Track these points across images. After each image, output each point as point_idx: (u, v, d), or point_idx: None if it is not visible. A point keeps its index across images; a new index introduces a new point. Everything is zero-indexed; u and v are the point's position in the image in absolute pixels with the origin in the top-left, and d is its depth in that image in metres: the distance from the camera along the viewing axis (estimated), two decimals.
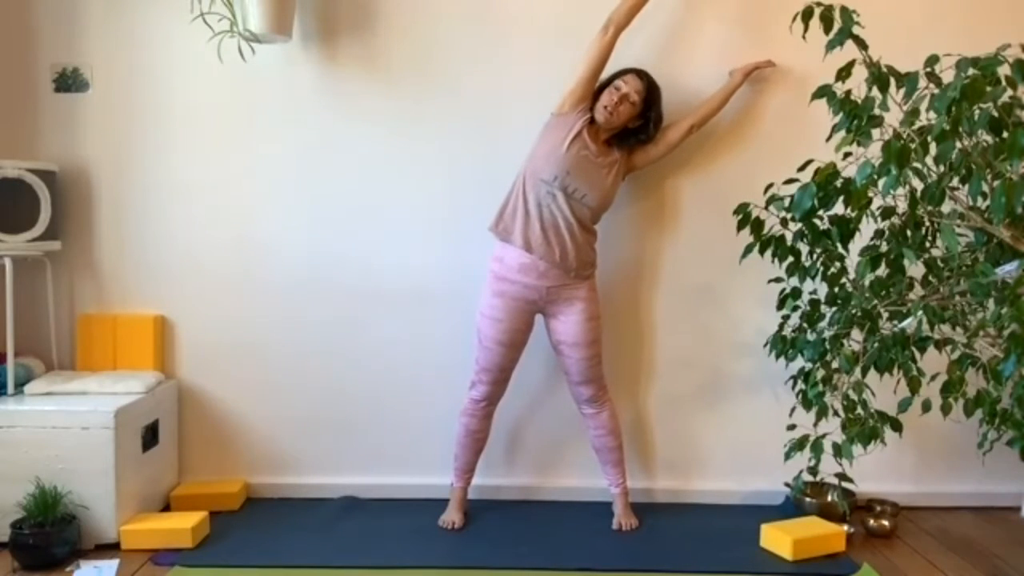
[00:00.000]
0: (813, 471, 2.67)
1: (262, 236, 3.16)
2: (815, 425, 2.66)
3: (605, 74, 2.85)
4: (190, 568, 2.59)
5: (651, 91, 2.83)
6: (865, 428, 2.54)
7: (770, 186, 2.66)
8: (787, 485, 2.93)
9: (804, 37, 2.41)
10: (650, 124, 2.86)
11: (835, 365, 2.62)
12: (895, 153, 2.15)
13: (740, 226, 2.71)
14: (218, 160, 3.14)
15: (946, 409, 2.42)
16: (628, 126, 2.85)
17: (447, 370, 3.14)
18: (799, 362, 2.81)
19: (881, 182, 2.22)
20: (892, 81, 2.32)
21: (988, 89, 2.10)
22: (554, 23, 3.05)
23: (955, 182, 2.34)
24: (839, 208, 2.52)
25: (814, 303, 2.79)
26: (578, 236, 2.80)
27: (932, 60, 2.27)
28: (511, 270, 2.82)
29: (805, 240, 2.68)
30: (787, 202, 2.54)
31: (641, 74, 2.83)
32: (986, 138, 2.24)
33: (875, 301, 2.53)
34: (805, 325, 2.80)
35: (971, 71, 2.11)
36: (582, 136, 2.79)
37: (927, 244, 2.60)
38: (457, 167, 3.11)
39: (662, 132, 2.91)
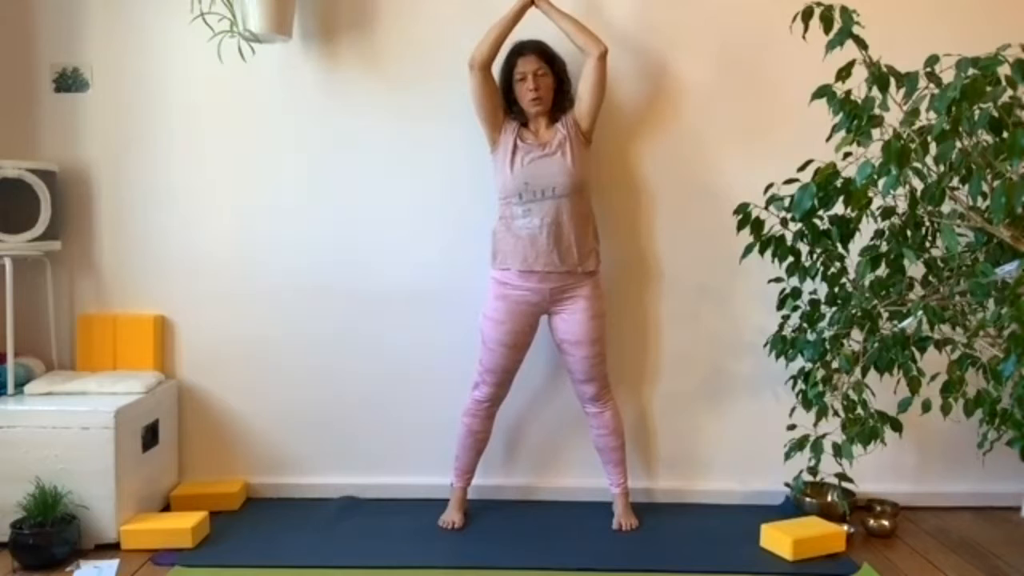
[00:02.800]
0: (813, 471, 2.67)
1: (262, 236, 3.16)
2: (815, 425, 2.66)
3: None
4: (190, 568, 2.59)
5: (545, 53, 2.83)
6: (865, 428, 2.54)
7: (770, 186, 2.66)
8: (787, 485, 2.93)
9: (804, 37, 2.41)
10: (565, 77, 2.86)
11: (835, 365, 2.62)
12: (895, 153, 2.15)
13: (740, 226, 2.70)
14: (218, 160, 3.14)
15: (946, 409, 2.43)
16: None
17: (448, 370, 3.13)
18: (799, 362, 2.81)
19: (881, 182, 2.22)
20: (892, 81, 2.32)
21: (988, 89, 2.10)
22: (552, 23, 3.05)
23: (955, 182, 2.34)
24: (839, 208, 2.52)
25: (814, 303, 2.79)
26: (568, 233, 2.79)
27: (932, 60, 2.27)
28: (513, 276, 2.83)
29: (805, 240, 2.68)
30: (787, 202, 2.54)
31: (525, 48, 2.83)
32: (986, 138, 2.24)
33: (875, 301, 2.54)
34: (805, 325, 2.79)
35: (971, 71, 2.11)
36: (519, 145, 2.80)
37: (927, 244, 2.60)
38: (458, 166, 3.11)
39: (578, 84, 2.85)
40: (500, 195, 2.85)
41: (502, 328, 2.84)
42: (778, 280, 2.81)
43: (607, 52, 2.79)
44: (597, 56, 2.78)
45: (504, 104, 2.88)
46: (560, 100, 2.87)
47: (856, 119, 2.34)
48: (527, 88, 2.79)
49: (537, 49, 2.83)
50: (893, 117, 2.29)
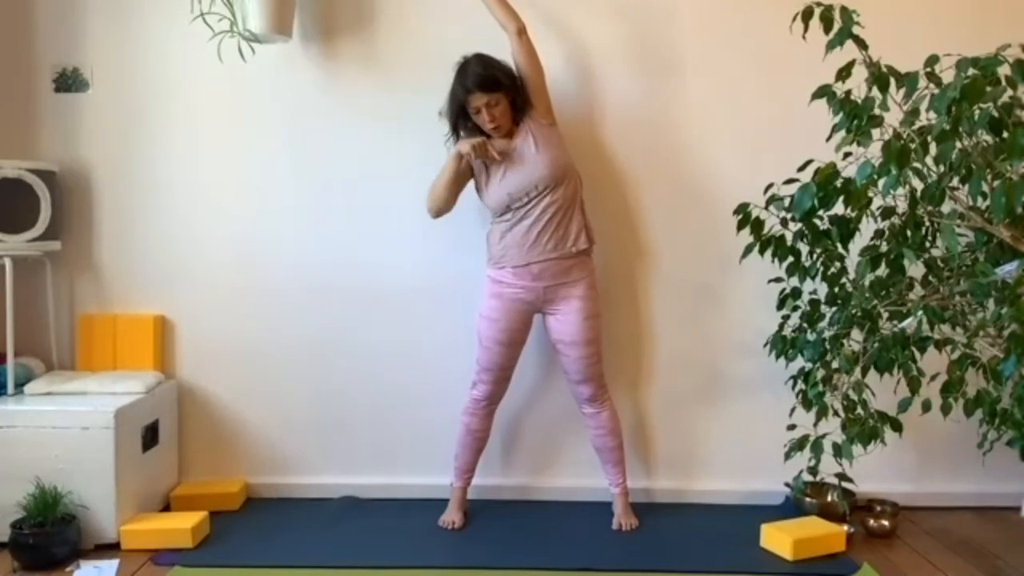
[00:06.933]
0: (813, 471, 2.66)
1: (262, 235, 3.16)
2: (815, 425, 2.66)
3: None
4: (190, 568, 2.59)
5: (490, 81, 2.72)
6: (865, 428, 2.54)
7: (770, 186, 2.66)
8: (787, 485, 2.93)
9: (804, 37, 2.40)
10: (516, 88, 2.78)
11: (835, 365, 2.62)
12: (895, 153, 2.15)
13: (740, 226, 2.70)
14: (218, 160, 3.14)
15: (946, 409, 2.42)
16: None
17: (447, 370, 3.13)
18: (799, 362, 2.80)
19: (881, 182, 2.22)
20: (892, 81, 2.32)
21: (988, 89, 2.10)
22: (551, 23, 3.05)
23: (955, 182, 2.34)
24: (839, 208, 2.52)
25: (814, 303, 2.79)
26: (560, 220, 2.78)
27: (932, 60, 2.26)
28: (507, 275, 2.84)
29: (805, 240, 2.68)
30: (787, 202, 2.54)
31: (469, 85, 2.72)
32: (986, 138, 2.23)
33: (875, 301, 2.53)
34: (805, 325, 2.80)
35: (971, 71, 2.11)
36: (489, 164, 2.79)
37: (927, 244, 2.60)
38: None
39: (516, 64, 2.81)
40: (490, 212, 2.86)
41: (497, 326, 2.85)
42: (778, 280, 2.81)
43: (523, 28, 2.78)
44: (514, 32, 2.77)
45: (459, 129, 2.86)
46: (518, 108, 2.81)
47: (856, 119, 2.34)
48: (485, 120, 2.76)
49: (481, 83, 2.72)
50: (893, 117, 2.29)
